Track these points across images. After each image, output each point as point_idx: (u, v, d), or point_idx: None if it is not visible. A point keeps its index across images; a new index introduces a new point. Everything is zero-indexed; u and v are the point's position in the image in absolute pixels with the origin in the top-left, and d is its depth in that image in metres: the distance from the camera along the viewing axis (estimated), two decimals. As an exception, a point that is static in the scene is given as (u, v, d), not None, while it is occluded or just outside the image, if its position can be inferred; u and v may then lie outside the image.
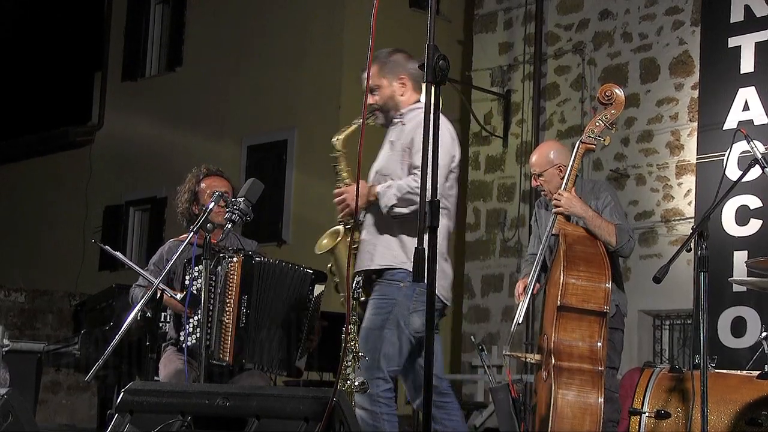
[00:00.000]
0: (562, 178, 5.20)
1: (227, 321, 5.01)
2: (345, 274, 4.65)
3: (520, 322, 5.06)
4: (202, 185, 5.41)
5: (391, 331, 4.45)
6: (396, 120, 4.75)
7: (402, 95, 4.73)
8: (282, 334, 5.17)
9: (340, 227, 4.69)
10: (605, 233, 5.01)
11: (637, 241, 9.61)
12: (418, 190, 4.32)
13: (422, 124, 4.51)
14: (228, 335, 5.01)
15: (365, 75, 4.74)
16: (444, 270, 4.61)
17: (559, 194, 5.07)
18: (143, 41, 15.28)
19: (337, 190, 4.69)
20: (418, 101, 4.72)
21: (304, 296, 5.23)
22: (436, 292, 4.48)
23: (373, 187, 4.61)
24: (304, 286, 5.23)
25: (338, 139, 4.74)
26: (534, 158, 5.50)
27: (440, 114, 4.63)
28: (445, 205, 4.60)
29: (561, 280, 4.76)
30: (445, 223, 4.63)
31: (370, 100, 4.74)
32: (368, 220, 4.68)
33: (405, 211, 4.48)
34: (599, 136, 5.10)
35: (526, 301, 5.08)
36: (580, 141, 5.13)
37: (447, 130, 4.62)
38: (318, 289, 5.30)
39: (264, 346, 5.12)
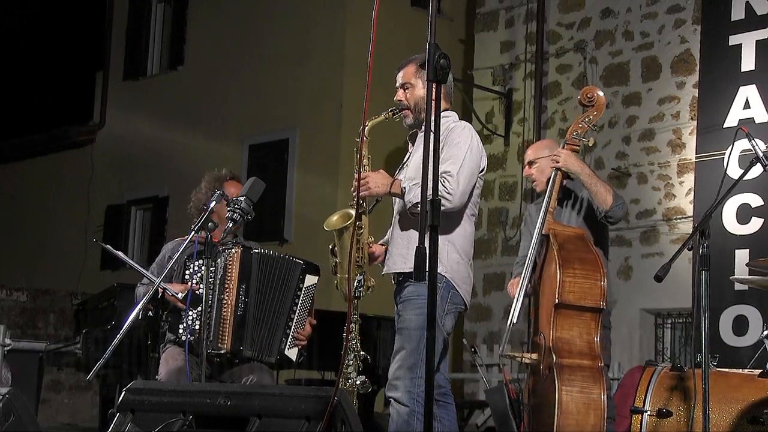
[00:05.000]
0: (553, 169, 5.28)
1: (226, 310, 5.14)
2: (345, 256, 4.66)
3: (515, 322, 5.07)
4: (232, 189, 5.26)
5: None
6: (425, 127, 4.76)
7: None
8: (272, 321, 5.30)
9: (352, 211, 4.66)
10: (602, 191, 5.08)
11: (638, 239, 9.68)
12: (446, 194, 4.42)
13: (451, 131, 4.59)
14: (227, 324, 5.14)
15: (400, 74, 4.76)
16: (469, 275, 4.69)
17: (558, 152, 5.16)
18: (145, 40, 15.29)
19: (363, 173, 4.59)
20: (447, 110, 4.72)
21: (293, 285, 5.36)
22: (461, 294, 4.57)
23: (396, 180, 4.62)
24: (294, 276, 5.35)
25: (366, 125, 4.71)
26: (530, 148, 5.65)
27: (467, 122, 4.76)
28: (473, 212, 4.72)
29: (558, 278, 4.77)
30: (470, 230, 4.71)
31: (400, 95, 4.74)
32: (397, 219, 4.70)
33: None
34: (583, 137, 5.20)
35: (520, 301, 5.09)
36: (565, 141, 5.24)
37: (476, 139, 4.68)
38: (309, 280, 5.40)
39: (258, 334, 5.24)
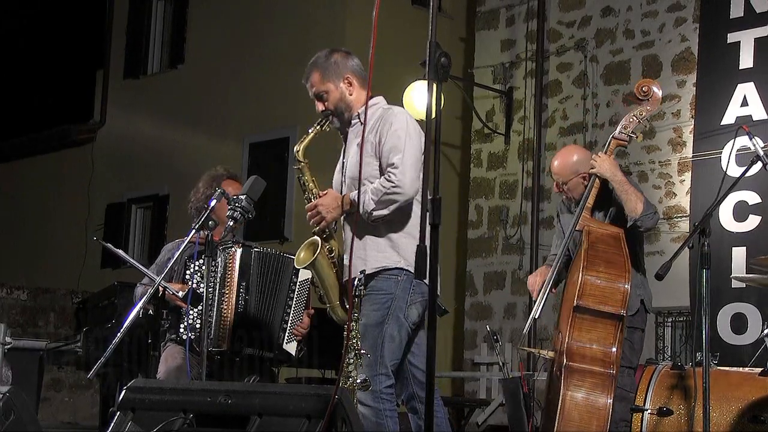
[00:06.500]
0: (586, 186, 5.20)
1: (226, 309, 5.19)
2: (327, 285, 4.62)
3: (537, 317, 5.05)
4: (230, 188, 5.29)
5: (392, 326, 4.44)
6: (354, 121, 4.71)
7: (351, 95, 4.69)
8: (269, 318, 5.36)
9: (317, 238, 4.61)
10: (632, 198, 4.99)
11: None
12: (395, 189, 4.38)
13: (384, 120, 4.55)
14: (227, 322, 5.19)
15: (308, 85, 4.72)
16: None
17: (596, 155, 5.13)
18: (145, 39, 15.28)
19: (309, 205, 4.62)
20: (371, 97, 4.69)
21: (288, 281, 5.43)
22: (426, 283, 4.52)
23: (345, 195, 4.57)
24: (287, 271, 5.42)
25: (299, 150, 4.69)
26: (557, 166, 5.45)
27: (402, 108, 4.70)
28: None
29: (579, 280, 4.70)
30: (422, 214, 4.66)
31: (321, 107, 4.71)
32: (349, 226, 4.63)
33: (385, 212, 4.44)
34: (632, 133, 5.14)
35: (545, 298, 5.05)
36: (612, 136, 5.18)
37: (412, 122, 4.60)
38: (303, 274, 5.42)
39: (258, 330, 5.29)
